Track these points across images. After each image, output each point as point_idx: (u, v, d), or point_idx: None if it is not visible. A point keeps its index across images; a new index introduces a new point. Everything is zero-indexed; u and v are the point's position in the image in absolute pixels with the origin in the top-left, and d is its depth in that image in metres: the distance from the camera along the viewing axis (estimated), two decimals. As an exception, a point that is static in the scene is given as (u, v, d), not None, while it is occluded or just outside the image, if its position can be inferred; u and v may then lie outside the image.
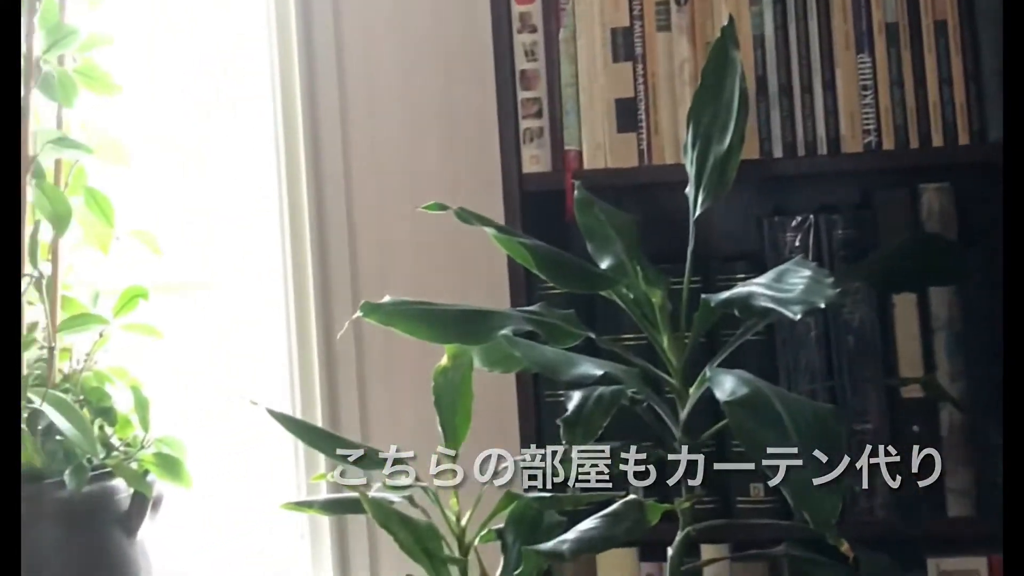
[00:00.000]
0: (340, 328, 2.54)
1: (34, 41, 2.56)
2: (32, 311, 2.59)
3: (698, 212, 1.97)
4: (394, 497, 1.99)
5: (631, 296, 1.97)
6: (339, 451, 2.08)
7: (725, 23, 2.05)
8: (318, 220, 2.75)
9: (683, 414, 1.93)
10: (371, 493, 1.97)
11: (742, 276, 2.13)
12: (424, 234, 2.65)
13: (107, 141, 2.67)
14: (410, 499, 1.99)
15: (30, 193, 2.54)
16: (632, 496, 1.92)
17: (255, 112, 2.86)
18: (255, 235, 2.89)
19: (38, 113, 2.63)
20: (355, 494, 1.95)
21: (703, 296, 1.89)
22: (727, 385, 1.78)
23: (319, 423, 2.69)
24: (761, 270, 1.98)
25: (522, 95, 2.31)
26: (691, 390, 1.91)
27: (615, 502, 1.91)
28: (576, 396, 1.84)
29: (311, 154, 2.75)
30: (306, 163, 2.75)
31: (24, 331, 2.56)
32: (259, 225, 2.87)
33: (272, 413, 2.06)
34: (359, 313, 1.93)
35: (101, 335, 2.60)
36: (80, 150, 2.59)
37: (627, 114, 2.26)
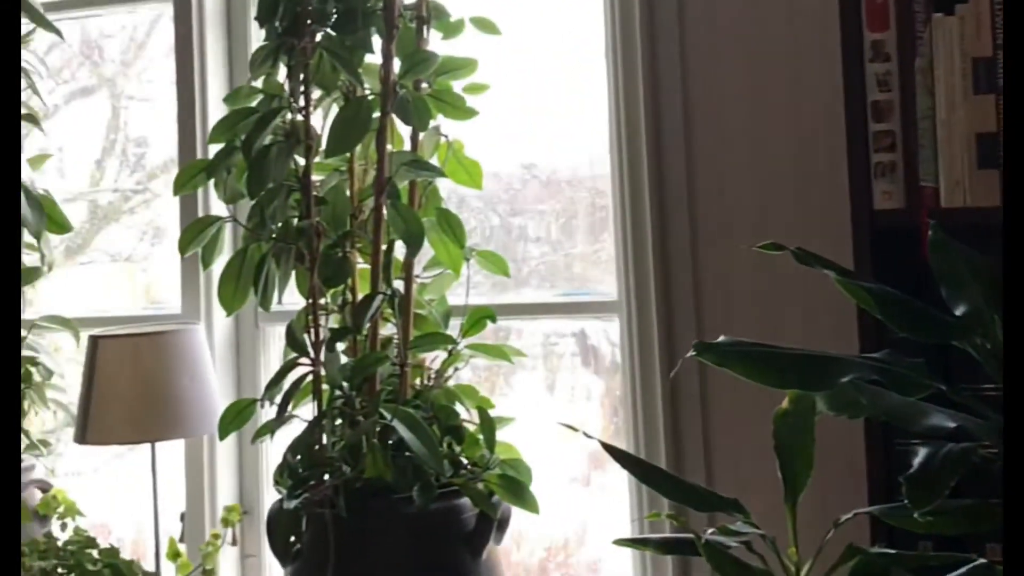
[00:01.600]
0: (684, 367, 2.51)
1: (392, 66, 2.65)
2: (386, 328, 2.69)
3: (1063, 259, 1.84)
4: (731, 542, 1.96)
5: (987, 346, 1.86)
6: (674, 491, 2.07)
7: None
8: (661, 255, 2.73)
9: (1044, 474, 1.80)
10: (707, 536, 1.94)
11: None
12: (771, 272, 2.58)
13: (461, 163, 2.75)
14: (747, 545, 1.95)
15: (385, 212, 2.63)
16: (983, 560, 1.82)
17: (598, 143, 2.86)
18: (596, 266, 2.91)
19: (399, 134, 2.72)
20: (691, 535, 1.94)
21: (1068, 351, 1.76)
22: (1092, 451, 1.65)
23: (662, 462, 2.68)
24: None
25: (874, 127, 2.21)
26: (1053, 449, 1.79)
27: (966, 564, 1.81)
28: (922, 452, 1.75)
29: (655, 185, 2.73)
30: (650, 194, 2.73)
31: (378, 347, 2.66)
32: (600, 256, 2.88)
33: (607, 448, 2.06)
34: (692, 353, 1.89)
35: (450, 354, 2.66)
36: (432, 172, 2.66)
37: (990, 149, 2.13)
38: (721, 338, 1.91)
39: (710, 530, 1.97)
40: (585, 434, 2.08)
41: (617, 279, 2.81)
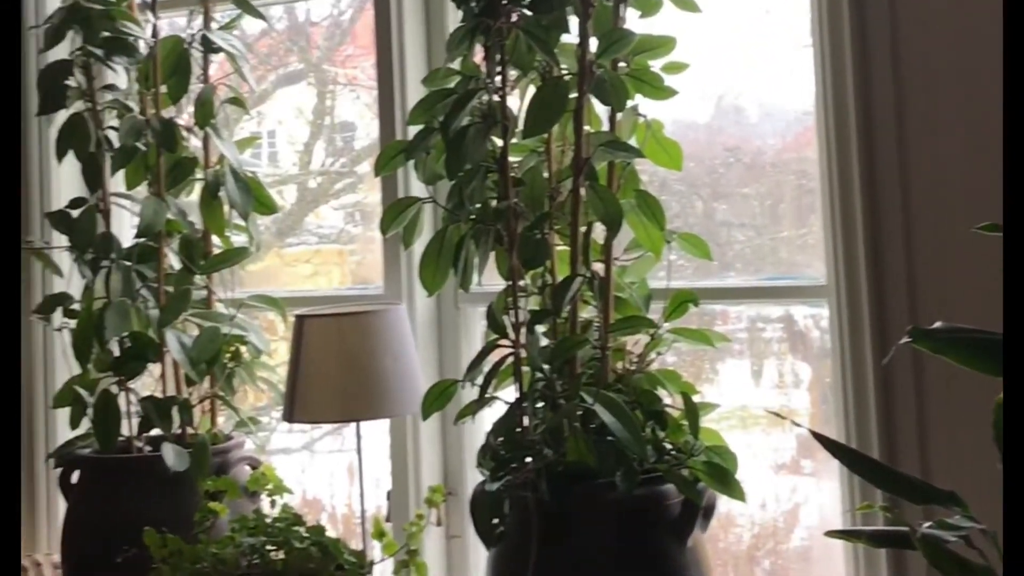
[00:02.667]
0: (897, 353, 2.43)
1: (588, 45, 2.61)
2: (586, 311, 2.67)
3: None
4: (949, 536, 1.88)
5: None
6: (887, 482, 2.00)
7: None
8: (872, 238, 2.65)
9: None
10: (923, 529, 1.87)
11: None
12: (989, 255, 2.44)
13: (660, 143, 2.70)
14: (966, 539, 1.87)
15: (583, 194, 2.60)
16: None
17: (803, 124, 2.79)
18: (803, 250, 2.84)
19: (596, 115, 2.69)
20: (905, 528, 1.87)
21: None
22: None
23: (875, 451, 2.60)
24: None
25: (1100, 102, 2.08)
26: None
27: None
28: None
29: (865, 166, 2.65)
30: (859, 175, 2.65)
31: (578, 330, 2.64)
32: (807, 240, 2.81)
33: (817, 436, 2.00)
34: (907, 339, 1.82)
35: (652, 338, 2.62)
36: (631, 152, 2.62)
37: None
38: (937, 324, 1.84)
39: (926, 523, 1.90)
40: (794, 422, 2.03)
41: (826, 263, 2.74)
